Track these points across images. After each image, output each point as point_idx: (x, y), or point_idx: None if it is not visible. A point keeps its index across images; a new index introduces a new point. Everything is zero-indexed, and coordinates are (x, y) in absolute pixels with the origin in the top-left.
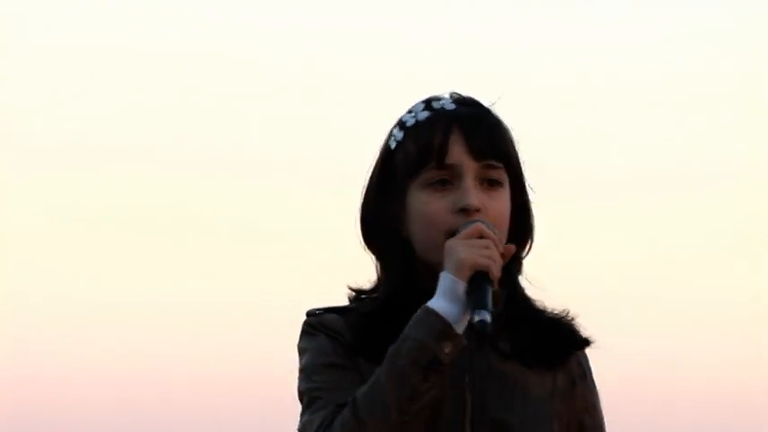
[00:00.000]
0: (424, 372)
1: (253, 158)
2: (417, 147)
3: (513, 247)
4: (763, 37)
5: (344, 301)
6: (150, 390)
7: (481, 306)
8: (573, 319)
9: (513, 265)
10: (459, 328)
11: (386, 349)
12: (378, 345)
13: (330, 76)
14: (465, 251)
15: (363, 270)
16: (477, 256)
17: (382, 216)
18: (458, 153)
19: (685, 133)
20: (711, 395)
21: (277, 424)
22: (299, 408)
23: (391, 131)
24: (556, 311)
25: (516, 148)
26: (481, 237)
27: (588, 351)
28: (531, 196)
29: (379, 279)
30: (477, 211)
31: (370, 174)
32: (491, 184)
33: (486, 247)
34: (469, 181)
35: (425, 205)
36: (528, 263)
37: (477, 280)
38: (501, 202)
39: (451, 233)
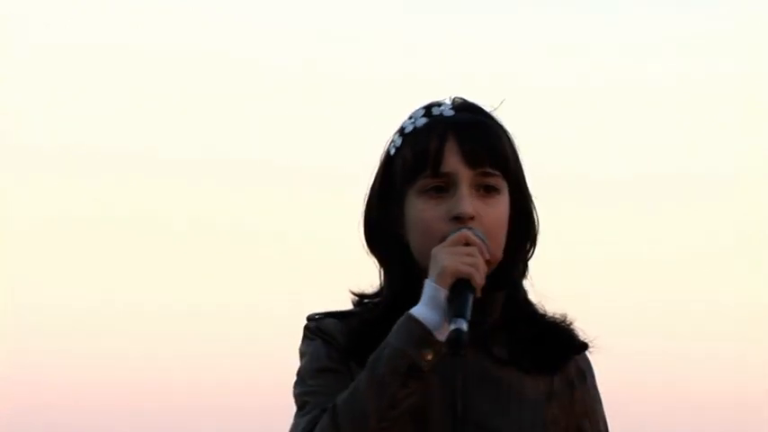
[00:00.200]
0: (404, 379)
1: (253, 159)
2: (414, 154)
3: (499, 256)
4: (763, 38)
5: (347, 302)
6: (150, 391)
7: (459, 314)
8: (571, 323)
9: (515, 269)
10: (441, 336)
11: None
12: (369, 350)
13: (329, 76)
14: (447, 258)
15: (366, 272)
16: (460, 263)
17: (383, 222)
18: (453, 161)
19: (685, 134)
20: (712, 395)
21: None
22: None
23: (392, 137)
24: (554, 316)
25: (517, 154)
26: (467, 244)
27: (590, 354)
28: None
29: (381, 284)
30: (472, 218)
31: (372, 179)
32: (487, 191)
33: (470, 255)
34: (464, 189)
35: (421, 212)
36: (530, 266)
37: (458, 287)
38: (497, 210)
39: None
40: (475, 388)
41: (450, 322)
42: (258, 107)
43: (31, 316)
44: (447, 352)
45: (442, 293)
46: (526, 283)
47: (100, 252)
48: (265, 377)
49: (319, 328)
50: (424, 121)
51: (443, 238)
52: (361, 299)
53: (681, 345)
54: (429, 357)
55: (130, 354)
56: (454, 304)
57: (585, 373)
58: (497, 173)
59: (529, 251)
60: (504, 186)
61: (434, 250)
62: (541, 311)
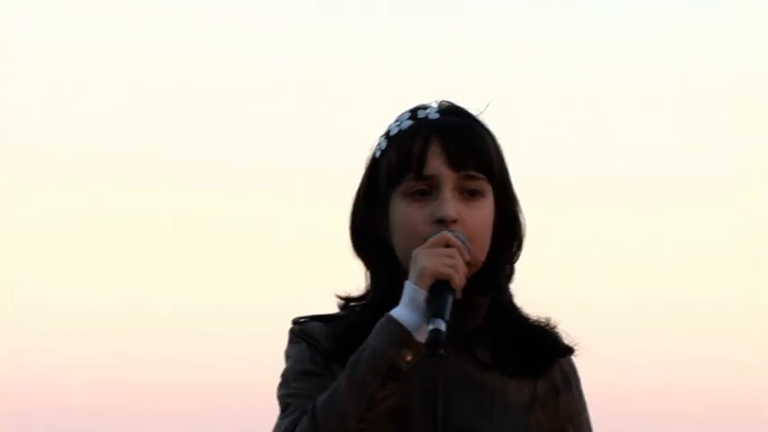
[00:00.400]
0: (383, 379)
1: (253, 161)
2: (398, 156)
3: (480, 258)
4: (763, 38)
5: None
6: (149, 392)
7: (437, 315)
8: (555, 327)
9: (500, 272)
10: (420, 336)
11: None
12: (352, 352)
13: (329, 76)
14: (427, 260)
15: (363, 274)
16: (439, 264)
17: (369, 224)
18: (436, 163)
19: (685, 134)
20: (711, 396)
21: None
22: None
23: (378, 140)
24: (539, 319)
25: (502, 156)
26: (448, 246)
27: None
28: (527, 204)
29: (367, 286)
30: (454, 221)
31: (360, 181)
32: (471, 194)
33: (450, 256)
34: (447, 192)
35: (404, 215)
36: (529, 266)
37: (437, 288)
38: (481, 213)
39: None
40: (457, 391)
41: (428, 323)
42: (258, 107)
43: (31, 316)
44: (426, 353)
45: (422, 295)
46: (512, 287)
47: (100, 252)
48: (266, 378)
49: (304, 332)
50: (409, 123)
51: (426, 241)
52: (347, 302)
53: (681, 345)
54: (408, 358)
55: (130, 357)
56: (433, 305)
57: (570, 378)
58: (481, 176)
59: (515, 254)
60: (488, 190)
61: (414, 252)
62: (526, 315)
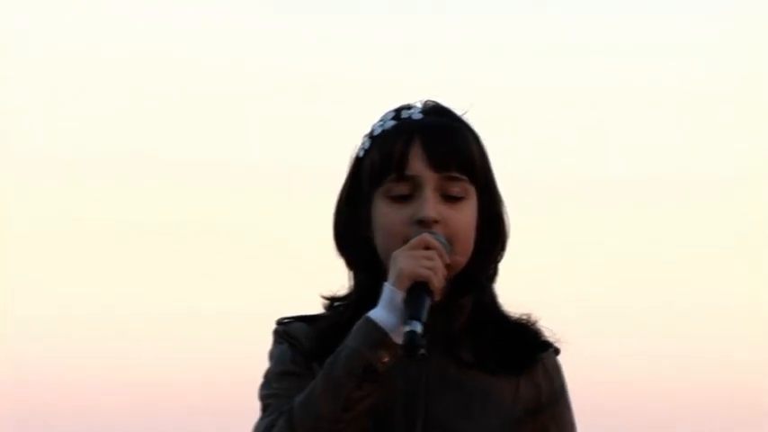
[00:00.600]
0: (359, 380)
1: (254, 161)
2: (380, 156)
3: (461, 260)
4: (763, 38)
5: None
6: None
7: (414, 316)
8: (536, 322)
9: (483, 273)
10: (397, 338)
11: None
12: (332, 352)
13: (328, 77)
14: (405, 261)
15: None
16: (417, 266)
17: (352, 224)
18: (418, 164)
19: (685, 134)
20: (711, 396)
21: None
22: None
23: (362, 140)
24: (520, 317)
25: (486, 157)
26: (427, 248)
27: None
28: (526, 205)
29: (351, 286)
30: (435, 222)
31: (343, 181)
32: (453, 195)
33: (429, 258)
34: (428, 192)
35: (386, 216)
36: (531, 266)
37: (415, 290)
38: (463, 214)
39: None
40: (438, 391)
41: (405, 324)
42: (258, 109)
43: (31, 316)
44: (402, 354)
45: (399, 296)
46: (502, 286)
47: (99, 253)
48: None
49: (287, 332)
50: (392, 124)
51: (407, 242)
52: (332, 302)
53: (680, 345)
54: (385, 360)
55: (130, 360)
56: (410, 306)
57: (553, 377)
58: (464, 177)
59: (498, 255)
60: (471, 191)
61: (394, 253)
62: (508, 314)
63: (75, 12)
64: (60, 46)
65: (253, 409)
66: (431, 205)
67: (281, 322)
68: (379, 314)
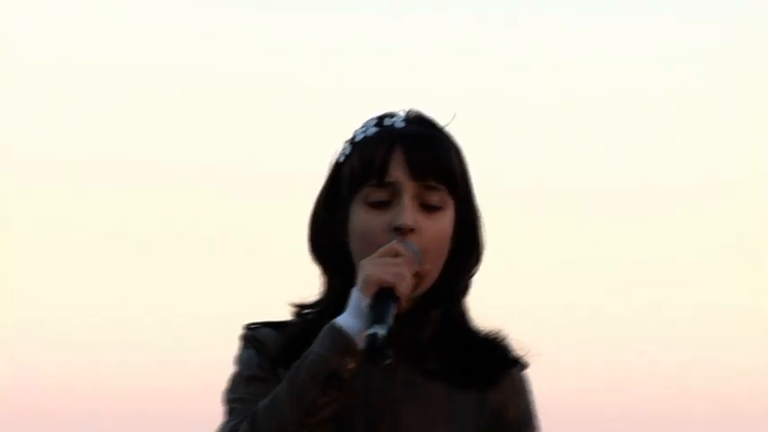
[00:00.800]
0: (323, 386)
1: (255, 167)
2: (361, 162)
3: (431, 268)
4: (762, 47)
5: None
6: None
7: (376, 320)
8: (505, 338)
9: (455, 285)
10: (362, 343)
11: None
12: (298, 358)
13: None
14: (372, 268)
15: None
16: (384, 272)
17: (328, 229)
18: (398, 171)
19: (683, 142)
20: (711, 401)
21: None
22: None
23: (343, 145)
24: (489, 332)
25: (465, 169)
26: (396, 256)
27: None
28: (526, 213)
29: (322, 292)
30: (412, 231)
31: (322, 185)
32: (431, 205)
33: (396, 265)
34: (407, 200)
35: (363, 222)
36: (530, 272)
37: (380, 296)
38: (439, 225)
39: None
40: (402, 401)
41: (368, 329)
42: (255, 115)
43: (31, 321)
44: (363, 358)
45: (365, 302)
46: (467, 300)
47: (98, 259)
48: None
49: (254, 337)
50: (374, 130)
51: None
52: (300, 309)
53: (680, 349)
54: (350, 366)
55: (128, 362)
56: (374, 311)
57: (520, 390)
58: (442, 187)
59: (472, 269)
60: (449, 202)
61: (362, 261)
62: (477, 328)
63: (74, 15)
64: (58, 57)
65: None
66: (408, 213)
67: (248, 327)
68: (344, 320)
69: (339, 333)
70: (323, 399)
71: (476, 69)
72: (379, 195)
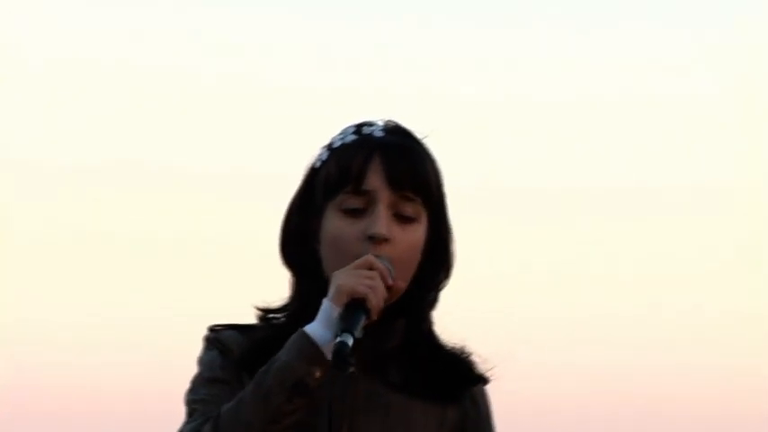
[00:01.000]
0: (289, 393)
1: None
2: (338, 169)
3: (402, 284)
4: (761, 51)
5: None
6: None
7: (345, 330)
8: (469, 355)
9: (423, 298)
10: (329, 353)
11: None
12: (264, 363)
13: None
14: (345, 278)
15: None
16: (357, 283)
17: (300, 234)
18: (375, 180)
19: (683, 145)
20: (710, 406)
21: None
22: None
23: (320, 150)
24: (454, 347)
25: (441, 182)
26: (371, 269)
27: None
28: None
29: (289, 297)
30: (386, 240)
31: (296, 190)
32: (405, 216)
33: (369, 278)
34: (382, 209)
35: (337, 230)
36: (529, 274)
37: (351, 307)
38: (413, 237)
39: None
40: (363, 411)
41: (336, 337)
42: (255, 115)
43: (31, 324)
44: (332, 367)
45: (336, 312)
46: (433, 314)
47: (96, 262)
48: None
49: (218, 339)
50: (353, 138)
51: (356, 257)
52: (265, 314)
53: (680, 355)
54: (317, 375)
55: (129, 364)
56: (343, 321)
57: (480, 405)
58: (418, 198)
59: (441, 283)
60: (422, 214)
61: (336, 272)
62: (442, 342)
63: (74, 16)
64: (59, 50)
65: None
66: (383, 222)
67: (212, 329)
68: (314, 329)
69: (308, 341)
70: (288, 406)
71: (476, 69)
72: (355, 203)
